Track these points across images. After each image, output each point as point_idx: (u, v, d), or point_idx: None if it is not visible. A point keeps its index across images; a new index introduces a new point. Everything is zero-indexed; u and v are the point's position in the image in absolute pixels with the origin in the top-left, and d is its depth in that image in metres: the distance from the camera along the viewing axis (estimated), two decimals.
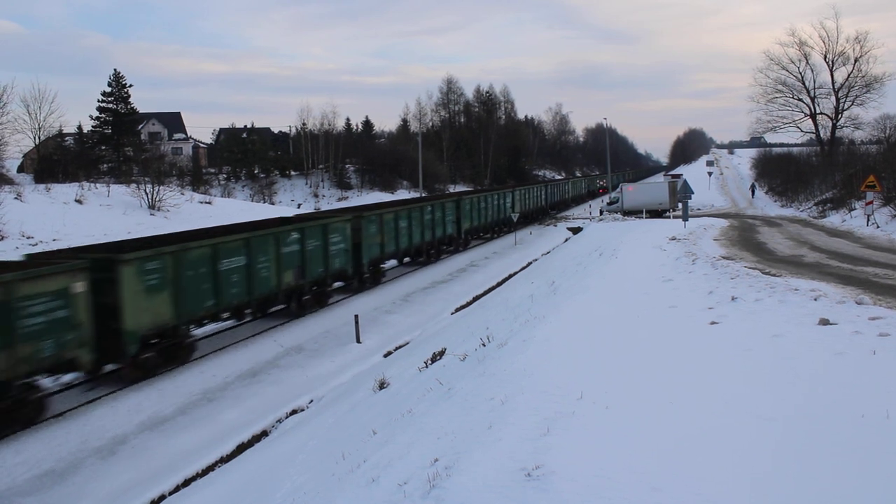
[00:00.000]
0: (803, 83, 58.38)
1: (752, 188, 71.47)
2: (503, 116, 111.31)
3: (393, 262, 29.79)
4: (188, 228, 25.26)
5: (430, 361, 12.25)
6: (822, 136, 59.82)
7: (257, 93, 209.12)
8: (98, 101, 67.41)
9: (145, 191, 41.93)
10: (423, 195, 57.98)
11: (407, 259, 30.95)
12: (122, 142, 67.54)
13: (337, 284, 23.77)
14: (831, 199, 43.75)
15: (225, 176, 77.84)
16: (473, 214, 38.38)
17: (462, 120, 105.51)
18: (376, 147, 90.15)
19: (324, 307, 22.01)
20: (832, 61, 56.70)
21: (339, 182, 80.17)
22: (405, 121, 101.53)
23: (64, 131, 64.03)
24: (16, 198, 35.38)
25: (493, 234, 43.13)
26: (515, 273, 29.23)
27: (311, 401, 14.55)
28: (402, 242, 28.29)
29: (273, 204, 65.40)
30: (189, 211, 43.17)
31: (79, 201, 38.74)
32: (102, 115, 67.58)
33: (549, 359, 8.71)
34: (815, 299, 11.49)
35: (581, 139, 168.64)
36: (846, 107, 57.37)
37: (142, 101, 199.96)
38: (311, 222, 21.82)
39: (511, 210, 44.53)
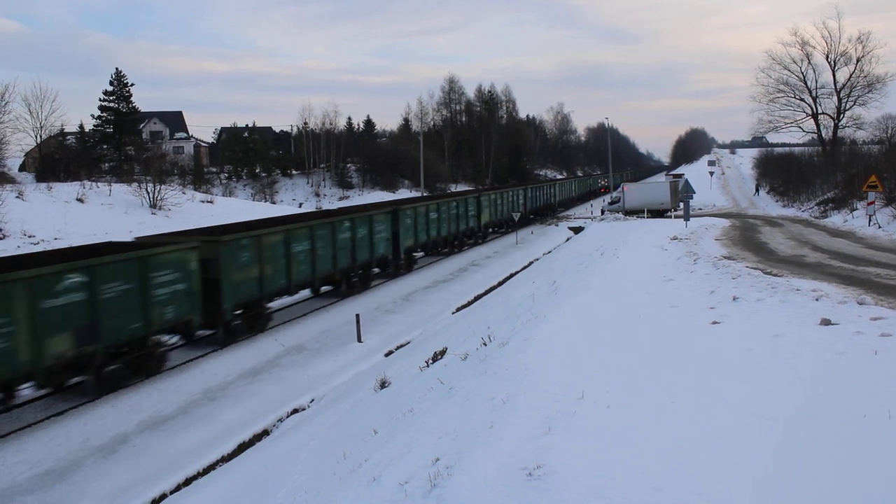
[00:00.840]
0: (805, 83, 58.44)
1: (757, 187, 72.01)
2: (504, 116, 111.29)
3: (306, 293, 23.44)
4: (189, 227, 25.24)
5: (431, 361, 12.24)
6: (823, 136, 59.83)
7: (259, 92, 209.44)
8: (99, 100, 67.60)
9: (147, 190, 42.01)
10: (424, 194, 57.99)
11: (328, 287, 24.25)
12: (123, 141, 67.65)
13: (205, 331, 17.79)
14: (833, 200, 43.73)
15: (226, 175, 78.00)
16: (419, 229, 30.75)
17: (463, 119, 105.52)
18: (378, 146, 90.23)
19: (154, 375, 15.37)
20: (834, 61, 56.74)
21: (340, 181, 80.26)
22: (406, 120, 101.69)
23: (65, 130, 64.26)
24: (17, 197, 35.46)
25: (452, 249, 35.89)
26: (517, 272, 29.20)
27: (313, 400, 14.55)
28: (299, 272, 20.87)
29: (274, 203, 65.46)
30: (190, 210, 43.23)
31: (80, 200, 38.81)
32: (104, 115, 67.70)
33: (551, 358, 8.71)
34: (817, 299, 11.48)
35: (583, 139, 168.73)
36: (848, 107, 57.43)
37: (143, 100, 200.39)
38: (121, 256, 14.77)
39: (486, 217, 39.76)
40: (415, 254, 31.07)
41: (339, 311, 22.07)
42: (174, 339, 16.95)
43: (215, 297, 17.27)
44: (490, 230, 43.05)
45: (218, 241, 17.60)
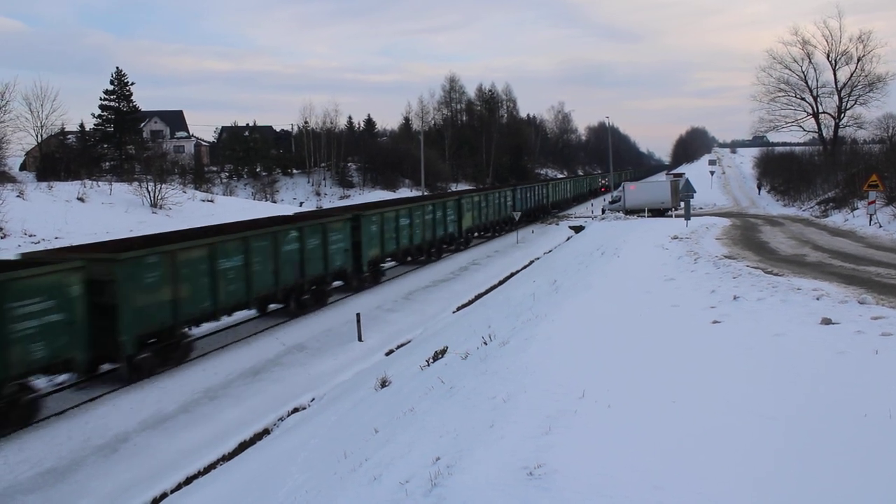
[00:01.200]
0: (806, 82, 58.41)
1: (759, 186, 72.30)
2: (505, 115, 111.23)
3: (249, 313, 20.28)
4: (190, 227, 25.22)
5: (431, 360, 12.25)
6: (824, 135, 59.80)
7: (260, 91, 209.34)
8: (100, 99, 67.41)
9: (147, 189, 42.03)
10: (425, 193, 57.91)
11: (274, 306, 20.85)
12: (124, 140, 67.61)
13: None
14: (834, 199, 43.72)
15: (227, 174, 78.01)
16: (387, 237, 27.01)
17: (464, 118, 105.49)
18: (378, 145, 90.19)
19: (21, 427, 12.48)
20: (835, 60, 56.71)
21: (341, 180, 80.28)
22: (407, 119, 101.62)
23: (66, 129, 64.21)
24: (18, 196, 35.47)
25: (429, 257, 32.30)
26: (517, 272, 29.22)
27: (313, 399, 14.56)
28: (228, 293, 17.50)
29: (275, 202, 65.50)
30: (191, 209, 43.25)
31: (81, 199, 38.83)
32: (105, 114, 67.59)
33: (552, 357, 8.71)
34: (818, 299, 11.48)
35: (583, 138, 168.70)
36: (849, 106, 57.40)
37: (144, 99, 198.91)
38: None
39: (456, 225, 35.58)
40: (383, 264, 27.63)
41: (339, 310, 22.06)
42: (63, 378, 14.41)
43: (112, 327, 14.18)
44: (476, 234, 40.24)
45: (113, 260, 14.52)
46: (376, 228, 26.23)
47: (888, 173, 34.85)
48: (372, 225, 25.86)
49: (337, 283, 23.79)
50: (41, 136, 59.27)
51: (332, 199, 72.59)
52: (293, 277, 20.47)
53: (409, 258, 30.67)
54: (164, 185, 44.07)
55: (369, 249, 25.48)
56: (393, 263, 29.70)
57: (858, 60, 55.53)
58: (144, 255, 15.26)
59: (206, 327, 18.09)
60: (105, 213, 38.05)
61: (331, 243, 22.49)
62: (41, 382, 13.66)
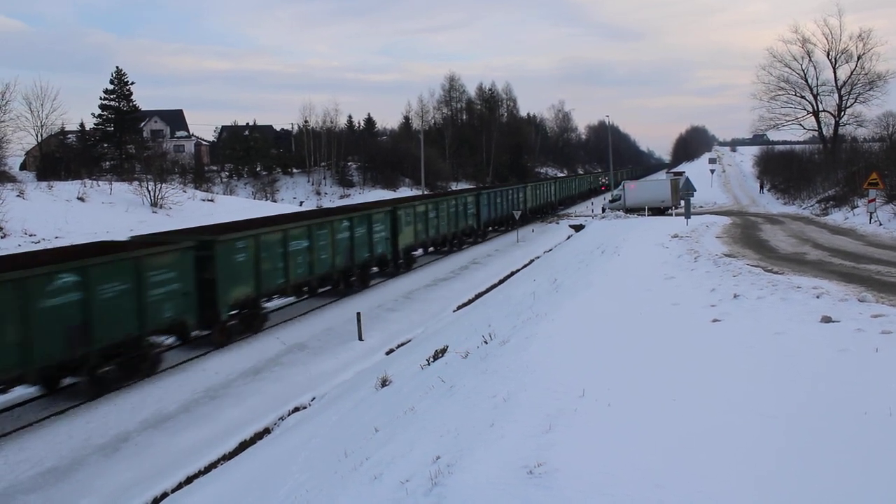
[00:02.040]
0: (806, 80, 58.41)
1: (762, 184, 72.59)
2: (505, 114, 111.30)
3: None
4: (190, 226, 25.17)
5: (432, 359, 12.26)
6: (824, 133, 59.79)
7: (260, 90, 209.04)
8: (100, 98, 67.49)
9: (147, 188, 42.12)
10: (425, 192, 57.87)
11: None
12: (124, 139, 67.69)
13: None
14: (834, 197, 43.71)
15: (227, 173, 78.09)
16: (268, 267, 19.09)
17: (464, 117, 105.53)
18: (378, 145, 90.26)
19: None
20: (835, 58, 56.72)
21: (341, 180, 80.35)
22: (407, 118, 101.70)
23: (66, 129, 64.37)
24: (18, 195, 35.53)
25: (347, 287, 24.41)
26: (518, 270, 29.23)
27: (314, 398, 14.57)
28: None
29: (275, 202, 65.56)
30: (191, 209, 43.29)
31: (81, 199, 38.89)
32: (105, 113, 67.65)
33: (552, 356, 8.72)
34: (818, 297, 11.48)
35: (583, 136, 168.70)
36: (849, 104, 57.41)
37: (144, 98, 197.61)
38: None
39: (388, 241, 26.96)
40: (267, 305, 20.42)
41: (340, 309, 22.06)
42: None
43: None
44: (426, 250, 33.24)
45: None
46: (246, 258, 18.31)
47: (888, 171, 34.86)
48: (237, 254, 17.96)
49: (200, 333, 17.32)
50: (41, 135, 59.45)
51: (333, 198, 72.66)
52: (66, 346, 12.92)
53: (318, 291, 23.41)
54: (164, 185, 44.17)
55: (234, 288, 17.81)
56: (290, 299, 22.43)
57: (858, 58, 55.59)
58: None
59: None
60: (105, 212, 38.10)
61: (152, 287, 14.95)
62: None
